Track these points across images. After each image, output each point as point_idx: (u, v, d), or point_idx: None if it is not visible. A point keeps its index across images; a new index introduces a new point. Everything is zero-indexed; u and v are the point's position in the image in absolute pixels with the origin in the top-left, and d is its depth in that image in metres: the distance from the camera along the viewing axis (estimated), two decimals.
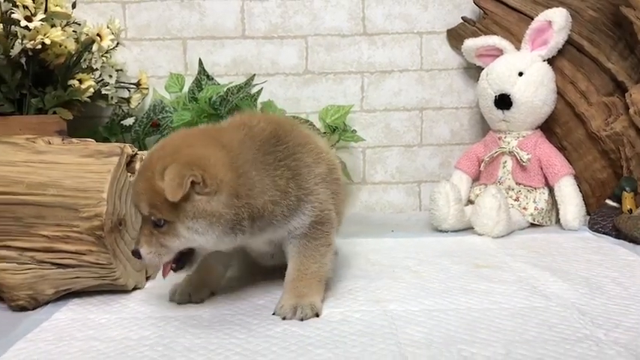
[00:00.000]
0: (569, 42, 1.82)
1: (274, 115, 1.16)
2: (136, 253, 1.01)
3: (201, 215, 0.97)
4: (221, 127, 1.12)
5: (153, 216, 0.98)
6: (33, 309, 1.13)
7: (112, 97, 1.67)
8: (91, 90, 1.54)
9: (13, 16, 1.38)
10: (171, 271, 1.06)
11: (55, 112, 1.51)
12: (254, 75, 1.94)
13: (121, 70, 1.66)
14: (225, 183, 0.98)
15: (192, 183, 0.95)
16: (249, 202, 1.00)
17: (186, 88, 1.90)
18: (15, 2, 1.38)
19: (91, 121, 1.86)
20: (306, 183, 1.08)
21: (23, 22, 1.38)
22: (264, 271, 1.36)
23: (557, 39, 1.79)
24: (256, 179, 1.02)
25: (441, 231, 1.71)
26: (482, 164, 1.86)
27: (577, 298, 1.12)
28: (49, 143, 1.25)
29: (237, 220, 0.99)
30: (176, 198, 0.94)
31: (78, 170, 1.16)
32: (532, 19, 1.84)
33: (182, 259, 1.05)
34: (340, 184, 1.22)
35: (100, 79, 1.62)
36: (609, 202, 1.72)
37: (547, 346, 0.91)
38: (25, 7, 1.38)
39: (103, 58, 1.60)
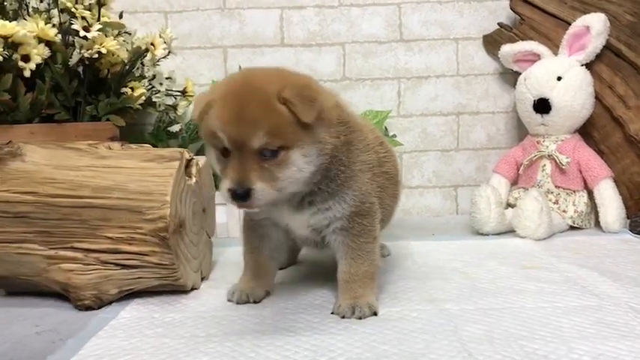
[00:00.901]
0: (607, 47, 1.84)
1: None
2: (242, 194, 0.93)
3: (317, 140, 0.98)
4: None
5: (270, 145, 0.94)
6: (98, 308, 1.17)
7: (159, 105, 1.72)
8: (143, 97, 1.59)
9: (72, 27, 1.44)
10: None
11: (108, 119, 1.56)
12: None
13: (170, 78, 1.71)
14: (327, 111, 1.00)
15: None
16: (331, 140, 1.02)
17: None
18: (74, 14, 1.43)
19: (136, 128, 1.92)
20: (352, 165, 1.09)
21: (82, 33, 1.43)
22: (313, 271, 1.40)
23: (595, 44, 1.81)
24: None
25: (481, 234, 1.73)
26: (522, 168, 1.88)
27: (629, 298, 1.14)
28: (110, 149, 1.29)
29: (326, 156, 1.01)
30: (310, 118, 0.94)
31: (141, 174, 1.21)
32: (569, 24, 1.86)
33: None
34: (391, 177, 1.24)
35: (150, 86, 1.67)
36: None
37: (607, 342, 0.93)
38: (83, 18, 1.44)
39: (155, 66, 1.65)
